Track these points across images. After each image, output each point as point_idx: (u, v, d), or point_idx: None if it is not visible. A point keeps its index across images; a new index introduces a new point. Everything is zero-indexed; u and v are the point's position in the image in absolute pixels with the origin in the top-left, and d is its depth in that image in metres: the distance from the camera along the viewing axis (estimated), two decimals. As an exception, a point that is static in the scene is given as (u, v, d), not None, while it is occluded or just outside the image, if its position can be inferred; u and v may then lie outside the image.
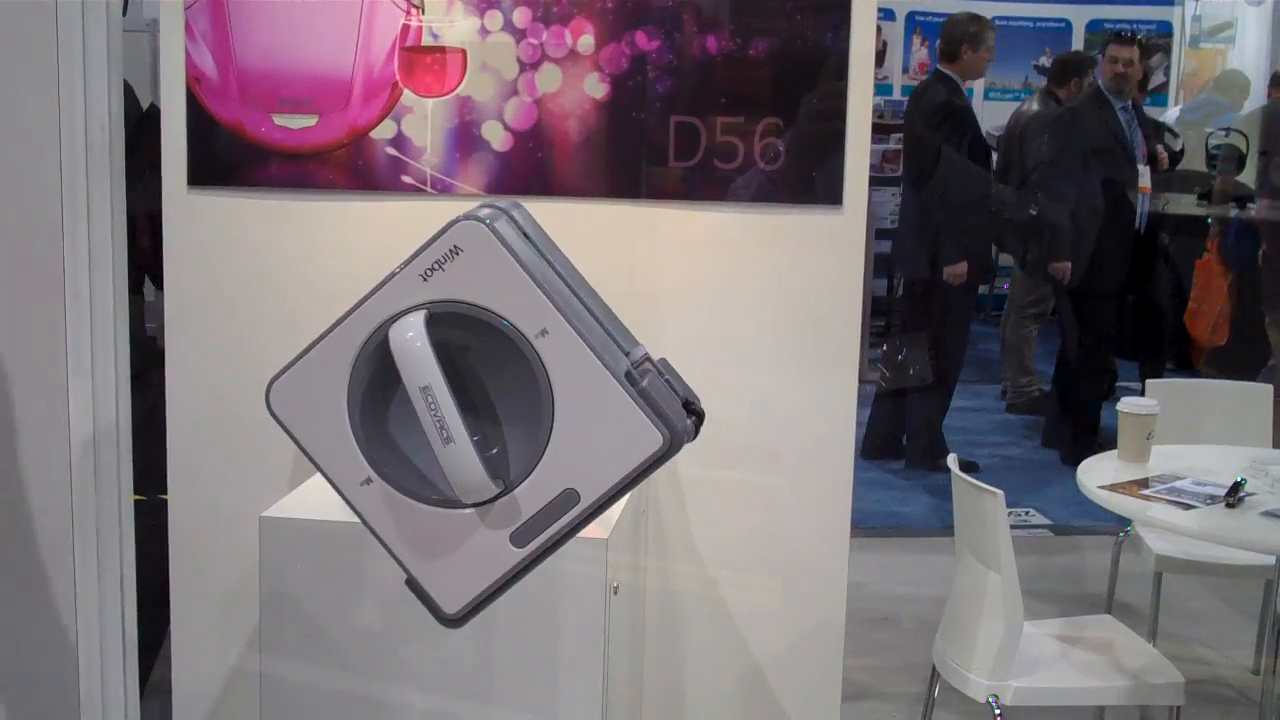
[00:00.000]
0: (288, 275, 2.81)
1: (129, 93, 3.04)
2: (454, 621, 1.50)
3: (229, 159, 2.78)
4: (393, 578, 2.09)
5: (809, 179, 2.70)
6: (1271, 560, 3.70)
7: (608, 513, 2.44)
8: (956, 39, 6.56)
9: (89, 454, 1.35)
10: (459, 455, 1.28)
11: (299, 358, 1.62)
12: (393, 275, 1.46)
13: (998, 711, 3.11)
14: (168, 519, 2.88)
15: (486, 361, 1.35)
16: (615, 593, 2.41)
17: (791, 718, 2.97)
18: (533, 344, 1.42)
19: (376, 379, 1.47)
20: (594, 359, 1.43)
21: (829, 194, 2.70)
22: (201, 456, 2.85)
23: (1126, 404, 3.52)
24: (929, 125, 6.40)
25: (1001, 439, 7.25)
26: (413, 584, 1.61)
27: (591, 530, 2.34)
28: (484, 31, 2.70)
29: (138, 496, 2.80)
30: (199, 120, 2.78)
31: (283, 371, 1.66)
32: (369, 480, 1.55)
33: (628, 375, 1.50)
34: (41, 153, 1.20)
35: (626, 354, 1.56)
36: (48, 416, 1.30)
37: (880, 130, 8.93)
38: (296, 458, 2.83)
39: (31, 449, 1.55)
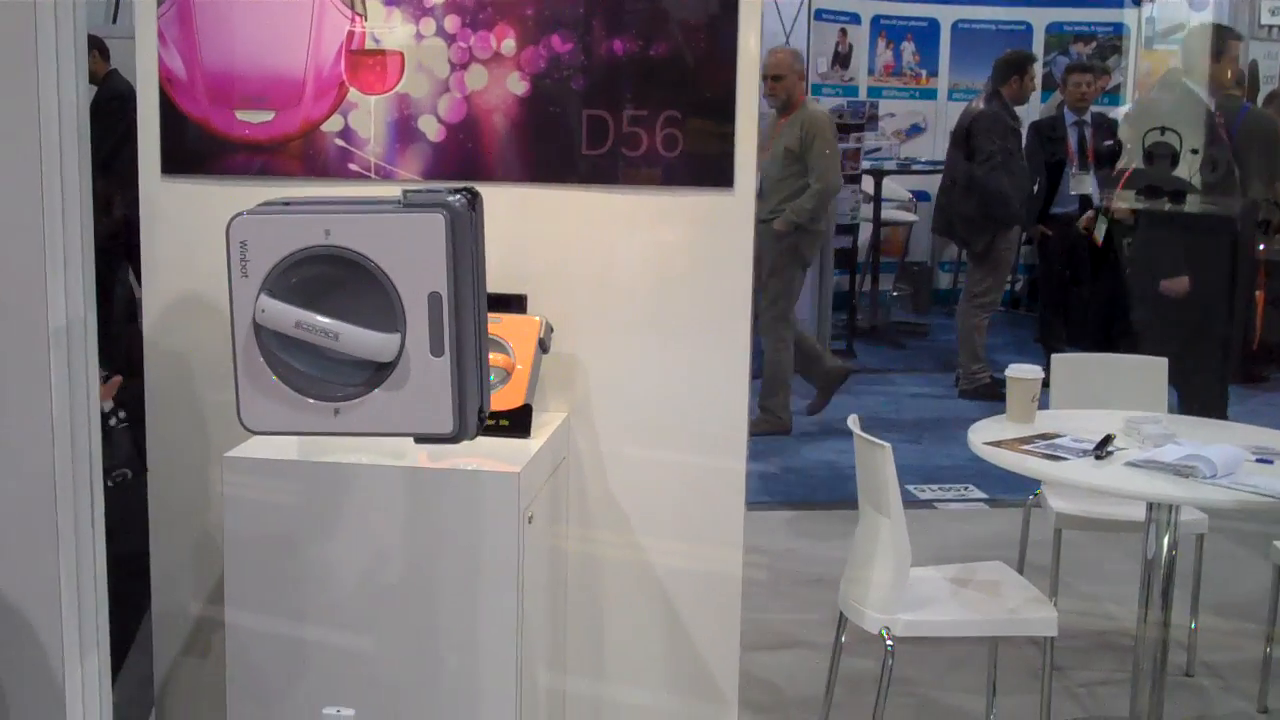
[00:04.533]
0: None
1: (129, 96, 3.41)
2: (458, 436, 1.73)
3: (198, 150, 3.15)
4: (345, 511, 2.48)
5: (704, 164, 3.06)
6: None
7: (520, 450, 2.83)
8: None
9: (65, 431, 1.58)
10: (353, 337, 1.60)
11: (236, 381, 1.85)
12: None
13: (889, 643, 3.46)
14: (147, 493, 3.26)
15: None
16: (530, 522, 2.77)
17: (699, 651, 3.32)
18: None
19: (280, 353, 1.71)
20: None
21: (721, 177, 3.06)
22: (180, 421, 3.23)
23: (1013, 370, 3.88)
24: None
25: (950, 423, 7.58)
26: (419, 438, 1.84)
27: (504, 465, 2.73)
28: (419, 36, 3.07)
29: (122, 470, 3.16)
30: (170, 116, 3.15)
31: (237, 400, 1.84)
32: (337, 411, 1.81)
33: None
34: (20, 140, 1.49)
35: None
36: (31, 394, 1.54)
37: (843, 130, 9.25)
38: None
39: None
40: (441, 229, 1.60)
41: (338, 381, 1.63)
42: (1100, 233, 7.42)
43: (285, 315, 1.59)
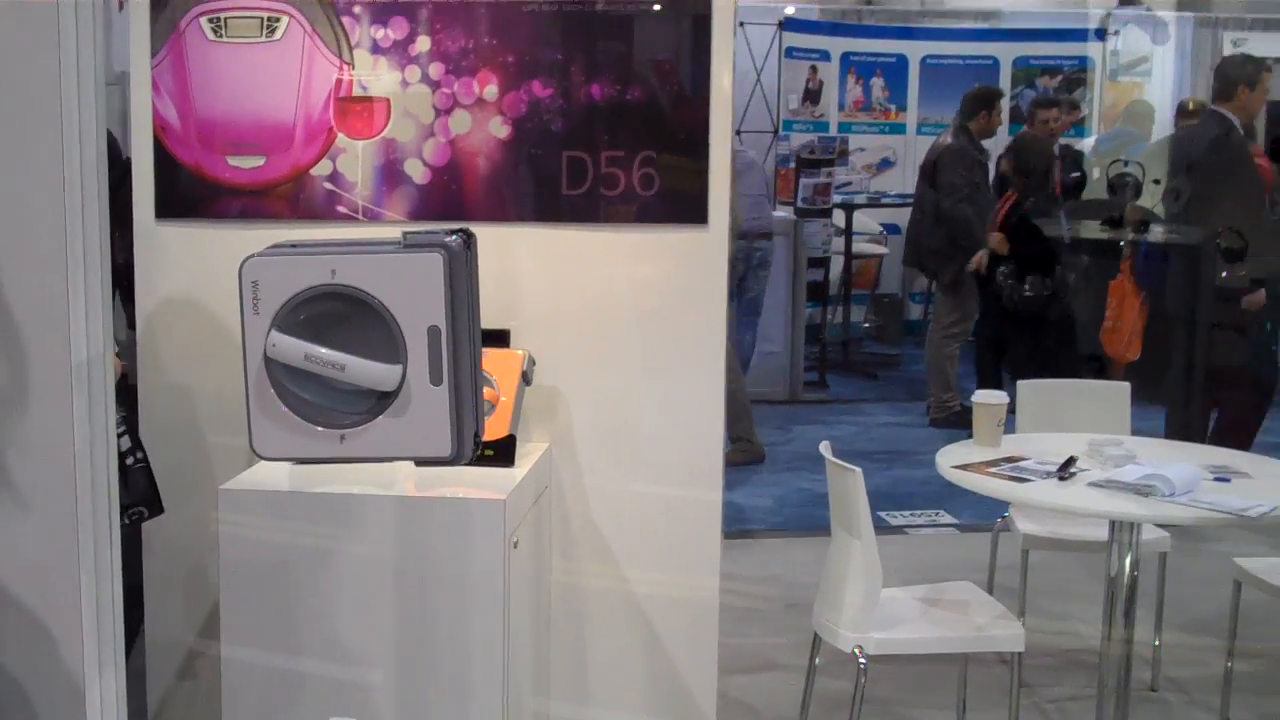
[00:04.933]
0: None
1: (113, 143, 3.54)
2: (456, 459, 1.85)
3: (191, 195, 3.28)
4: (337, 540, 2.60)
5: (679, 201, 3.20)
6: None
7: (505, 479, 2.95)
8: (1233, 79, 6.97)
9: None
10: (358, 368, 1.73)
11: (248, 411, 1.97)
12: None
13: (862, 660, 3.59)
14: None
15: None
16: (515, 547, 2.89)
17: (679, 674, 3.44)
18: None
19: (289, 384, 1.83)
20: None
21: (696, 214, 3.20)
22: (174, 456, 3.34)
23: (980, 395, 4.03)
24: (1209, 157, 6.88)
25: (920, 450, 7.72)
26: (419, 461, 1.96)
27: (490, 493, 2.85)
28: (405, 83, 3.20)
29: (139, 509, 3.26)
30: (164, 162, 3.28)
31: (249, 428, 1.98)
32: (343, 438, 1.94)
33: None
34: (45, 178, 1.61)
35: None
36: (53, 422, 1.65)
37: (811, 165, 9.42)
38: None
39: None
40: (440, 268, 1.73)
41: (343, 410, 1.76)
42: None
43: (295, 349, 1.71)
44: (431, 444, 1.77)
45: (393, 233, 1.80)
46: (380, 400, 1.75)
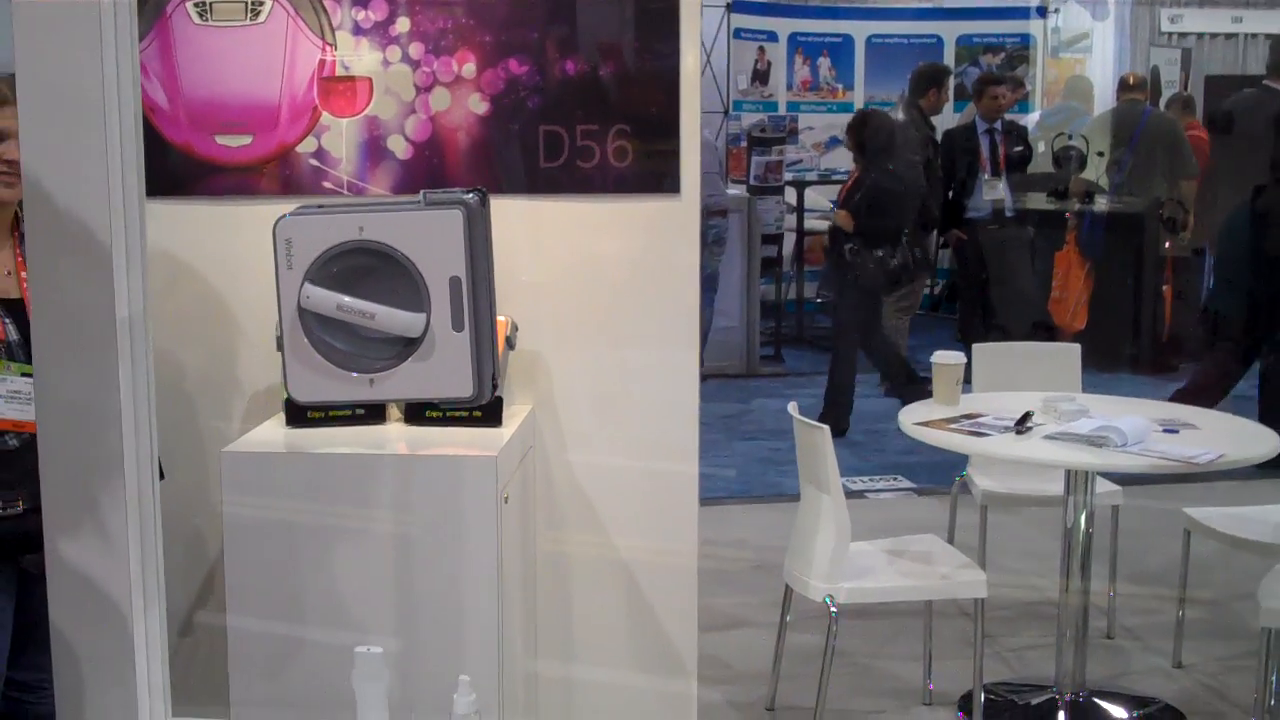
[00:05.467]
0: (230, 267, 3.42)
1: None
2: (477, 398, 1.97)
3: (180, 173, 3.39)
4: (336, 500, 2.73)
5: (653, 172, 3.34)
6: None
7: (494, 437, 3.09)
8: None
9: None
10: (386, 316, 1.87)
11: (284, 360, 2.09)
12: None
13: (834, 609, 3.75)
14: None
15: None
16: (506, 502, 3.03)
17: (659, 617, 3.58)
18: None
19: (322, 333, 1.97)
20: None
21: (669, 183, 3.34)
22: (169, 426, 3.45)
23: (939, 356, 4.21)
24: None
25: (876, 419, 7.90)
26: (444, 402, 2.04)
27: (483, 450, 2.99)
28: (386, 63, 3.33)
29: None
30: (153, 142, 3.38)
31: (284, 375, 2.05)
32: (372, 382, 2.06)
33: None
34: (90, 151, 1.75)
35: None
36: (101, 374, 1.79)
37: (763, 144, 9.58)
38: (245, 415, 3.45)
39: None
40: (460, 223, 1.87)
41: (372, 356, 1.89)
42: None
43: (327, 300, 1.85)
44: (455, 385, 1.91)
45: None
46: (406, 346, 1.88)
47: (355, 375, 1.91)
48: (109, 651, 1.89)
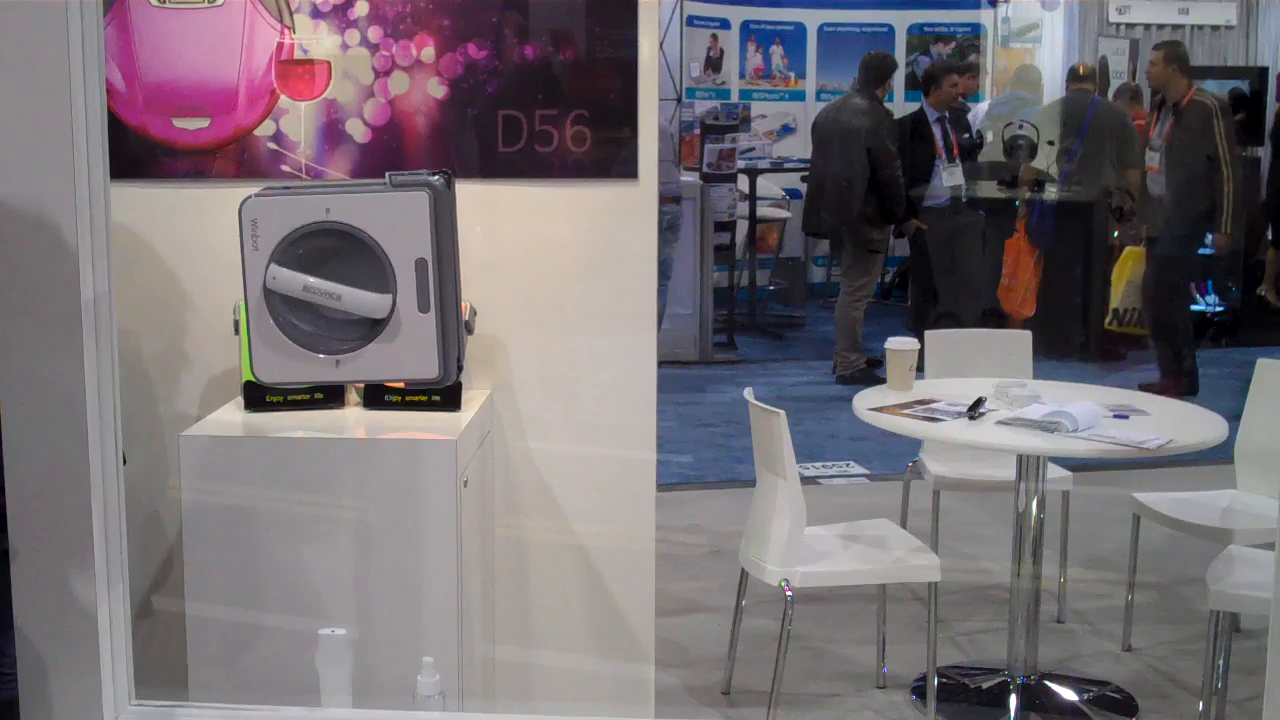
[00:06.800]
0: (187, 251, 3.41)
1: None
2: (442, 380, 1.97)
3: (138, 156, 3.37)
4: (295, 484, 2.72)
5: (610, 157, 3.35)
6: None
7: (453, 422, 3.09)
8: None
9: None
10: (352, 297, 1.87)
11: (249, 340, 2.09)
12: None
13: (789, 593, 3.78)
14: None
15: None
16: (465, 485, 3.04)
17: (616, 602, 3.60)
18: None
19: (288, 314, 1.97)
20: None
21: (627, 169, 3.35)
22: (128, 408, 3.43)
23: (892, 342, 4.24)
24: None
25: (829, 406, 7.95)
26: (410, 383, 2.01)
27: (442, 434, 2.99)
28: (344, 46, 3.33)
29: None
30: (110, 125, 3.35)
31: (249, 356, 2.08)
32: (338, 363, 2.06)
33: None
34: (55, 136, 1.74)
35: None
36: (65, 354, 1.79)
37: (716, 131, 9.60)
38: (203, 399, 3.44)
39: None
40: (426, 204, 1.87)
41: (338, 337, 1.89)
42: None
43: (294, 281, 1.85)
44: (421, 366, 1.91)
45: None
46: (372, 327, 1.88)
47: (321, 356, 1.91)
48: (72, 633, 1.89)
